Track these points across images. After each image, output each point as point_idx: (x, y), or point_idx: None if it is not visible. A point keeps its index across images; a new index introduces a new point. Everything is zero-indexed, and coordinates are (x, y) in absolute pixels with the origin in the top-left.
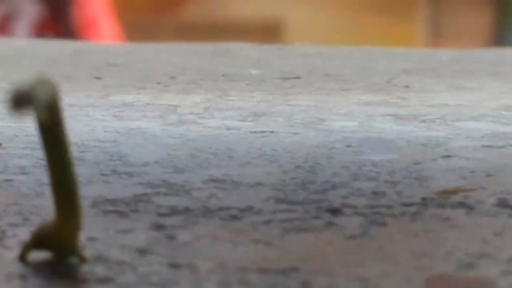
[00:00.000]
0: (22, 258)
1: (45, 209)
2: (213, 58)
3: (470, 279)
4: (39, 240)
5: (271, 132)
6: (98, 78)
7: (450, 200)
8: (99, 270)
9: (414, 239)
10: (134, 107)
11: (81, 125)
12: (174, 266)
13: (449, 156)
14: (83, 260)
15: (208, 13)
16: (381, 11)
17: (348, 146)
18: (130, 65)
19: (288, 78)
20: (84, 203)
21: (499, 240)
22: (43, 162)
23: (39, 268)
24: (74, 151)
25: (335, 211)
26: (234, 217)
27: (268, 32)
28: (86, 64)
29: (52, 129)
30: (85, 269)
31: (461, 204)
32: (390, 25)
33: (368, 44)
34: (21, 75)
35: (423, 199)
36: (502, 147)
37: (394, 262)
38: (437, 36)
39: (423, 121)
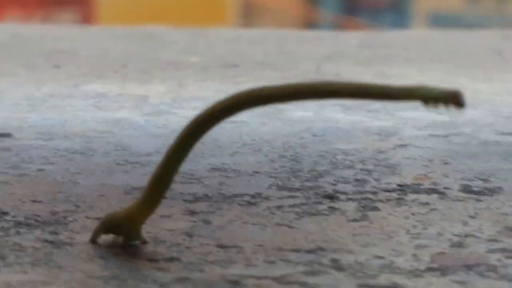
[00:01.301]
0: (93, 241)
1: (88, 197)
2: (145, 44)
3: (466, 255)
4: (109, 226)
5: (242, 122)
6: (57, 66)
7: (422, 187)
8: (163, 251)
9: (406, 221)
10: (108, 97)
11: (70, 116)
12: (223, 247)
13: (405, 145)
14: (144, 242)
15: None
16: None
17: (314, 135)
18: (76, 52)
19: (228, 66)
20: (117, 191)
21: (476, 222)
22: (62, 152)
23: (111, 250)
24: (82, 142)
25: (331, 197)
26: (250, 203)
27: None
28: (27, 50)
29: (193, 138)
30: (149, 249)
31: (433, 190)
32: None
33: (180, 19)
34: None
35: (400, 185)
36: (446, 136)
37: (398, 242)
38: (248, 14)
39: (369, 110)
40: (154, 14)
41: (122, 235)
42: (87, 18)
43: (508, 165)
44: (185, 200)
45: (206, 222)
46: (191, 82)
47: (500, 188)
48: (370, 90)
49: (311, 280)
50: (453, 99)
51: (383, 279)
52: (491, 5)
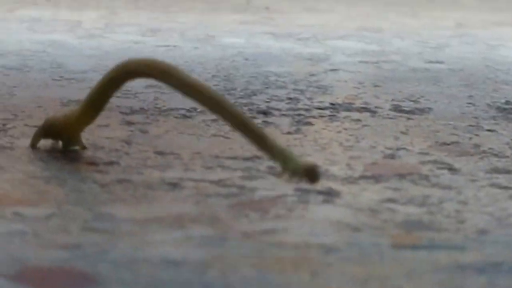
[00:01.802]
0: (33, 145)
1: (26, 107)
2: None
3: (398, 165)
4: (48, 131)
5: (174, 46)
6: None
7: (354, 106)
8: (102, 156)
9: (339, 135)
10: (42, 21)
11: (6, 37)
12: (161, 153)
13: (336, 70)
14: (83, 147)
15: None
16: None
17: (246, 59)
18: None
19: None
20: (54, 103)
21: (408, 137)
22: None
23: (51, 154)
24: (17, 60)
25: (265, 113)
26: (185, 116)
27: None
28: None
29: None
30: (89, 154)
31: (365, 109)
32: None
33: None
34: None
35: (332, 104)
36: (376, 62)
37: (332, 153)
38: None
39: (299, 39)
40: None
41: (61, 140)
42: None
43: (436, 89)
44: (122, 112)
45: (143, 131)
46: (123, 10)
47: (429, 108)
48: (250, 128)
49: (248, 183)
50: (308, 173)
51: (319, 184)
52: None
